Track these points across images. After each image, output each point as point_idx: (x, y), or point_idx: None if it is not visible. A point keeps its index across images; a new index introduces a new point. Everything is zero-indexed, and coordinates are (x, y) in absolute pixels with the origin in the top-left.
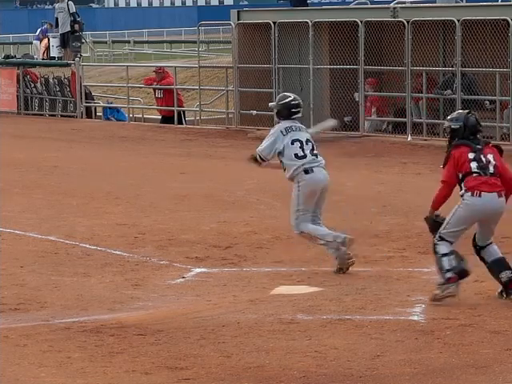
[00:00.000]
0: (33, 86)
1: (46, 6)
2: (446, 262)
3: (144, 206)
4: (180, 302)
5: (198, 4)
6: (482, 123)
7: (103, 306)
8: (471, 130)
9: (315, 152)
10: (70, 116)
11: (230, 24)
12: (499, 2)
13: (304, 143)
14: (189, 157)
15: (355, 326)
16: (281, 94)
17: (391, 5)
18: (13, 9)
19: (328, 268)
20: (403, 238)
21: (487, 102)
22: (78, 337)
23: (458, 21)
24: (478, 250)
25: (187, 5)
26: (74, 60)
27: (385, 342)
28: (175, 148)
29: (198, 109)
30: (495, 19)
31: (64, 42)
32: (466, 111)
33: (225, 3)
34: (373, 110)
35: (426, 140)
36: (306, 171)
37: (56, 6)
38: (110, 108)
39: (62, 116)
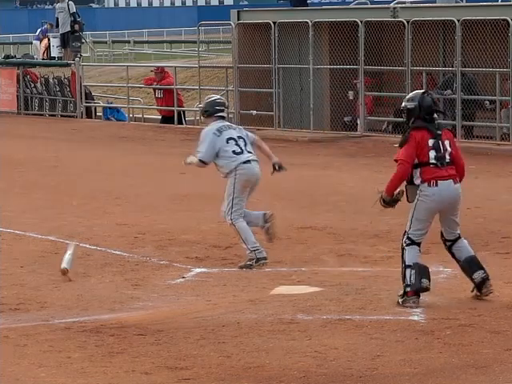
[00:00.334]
0: (33, 85)
1: (46, 6)
2: (408, 276)
3: (144, 206)
4: (180, 301)
5: (198, 4)
6: (482, 123)
7: (103, 306)
8: (427, 110)
9: (248, 148)
10: (70, 116)
11: (230, 24)
12: (499, 2)
13: (237, 140)
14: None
15: (355, 326)
16: (207, 97)
17: (391, 5)
18: (13, 9)
19: (328, 268)
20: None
21: (487, 102)
22: (78, 337)
23: (458, 21)
24: (449, 245)
25: (187, 5)
26: (74, 60)
27: (385, 342)
28: (175, 148)
29: (198, 109)
30: (495, 19)
31: (64, 41)
32: (422, 91)
33: (225, 3)
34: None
35: None
36: (245, 162)
37: (56, 6)
38: (109, 108)
39: (61, 116)
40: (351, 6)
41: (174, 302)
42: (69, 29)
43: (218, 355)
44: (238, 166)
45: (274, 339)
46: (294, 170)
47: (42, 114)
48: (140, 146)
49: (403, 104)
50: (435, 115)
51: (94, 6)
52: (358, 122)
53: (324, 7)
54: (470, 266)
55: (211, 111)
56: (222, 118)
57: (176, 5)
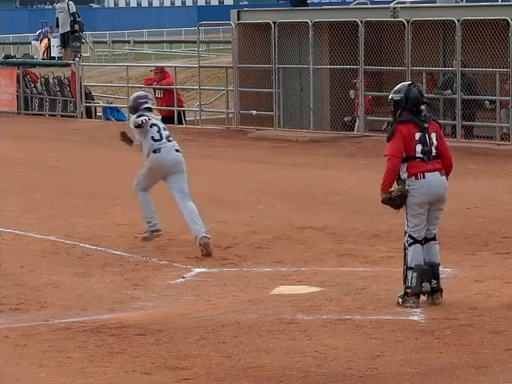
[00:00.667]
0: (33, 85)
1: (46, 6)
2: (409, 278)
3: None
4: (180, 301)
5: (198, 4)
6: (482, 123)
7: (103, 306)
8: (413, 102)
9: (170, 139)
10: (70, 116)
11: (230, 24)
12: (499, 2)
13: (161, 129)
14: (189, 157)
15: (355, 326)
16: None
17: (391, 5)
18: (13, 9)
19: (328, 268)
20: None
21: (487, 102)
22: (78, 337)
23: (458, 21)
24: (423, 242)
25: (187, 5)
26: (74, 60)
27: (385, 342)
28: None
29: (198, 109)
30: (495, 19)
31: (64, 41)
32: (409, 82)
33: (225, 3)
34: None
35: None
36: (155, 151)
37: (56, 5)
38: (109, 108)
39: (62, 116)
40: (351, 6)
41: (174, 302)
42: (69, 29)
43: (218, 355)
44: (150, 153)
45: (274, 339)
46: (294, 170)
47: (41, 114)
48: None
49: (390, 96)
50: (422, 107)
51: (94, 6)
52: (356, 123)
53: (324, 7)
54: (428, 271)
55: (136, 106)
56: (149, 109)
57: (176, 5)
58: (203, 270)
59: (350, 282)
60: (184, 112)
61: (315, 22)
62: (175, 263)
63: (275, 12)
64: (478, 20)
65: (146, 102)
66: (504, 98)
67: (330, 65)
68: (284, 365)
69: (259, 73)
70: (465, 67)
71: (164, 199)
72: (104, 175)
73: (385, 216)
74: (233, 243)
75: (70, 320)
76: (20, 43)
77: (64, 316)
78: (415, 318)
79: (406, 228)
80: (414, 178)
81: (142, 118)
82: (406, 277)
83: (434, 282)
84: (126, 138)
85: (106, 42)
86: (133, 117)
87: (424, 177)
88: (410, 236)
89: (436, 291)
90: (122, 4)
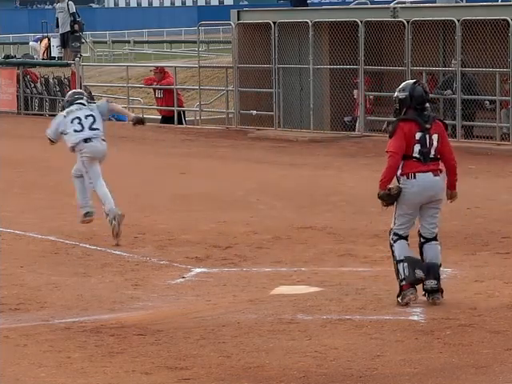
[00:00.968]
0: (33, 85)
1: (46, 6)
2: (401, 270)
3: (144, 206)
4: (180, 301)
5: (198, 4)
6: (482, 123)
7: (103, 306)
8: (418, 100)
9: (94, 126)
10: None
11: (230, 24)
12: (499, 2)
13: (83, 119)
14: (189, 157)
15: (355, 326)
16: None
17: (391, 5)
18: (13, 9)
19: (328, 268)
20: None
21: (487, 102)
22: (78, 337)
23: (458, 21)
24: (423, 242)
25: (187, 5)
26: (73, 60)
27: (385, 342)
28: (175, 148)
29: (198, 109)
30: (495, 19)
31: (64, 41)
32: (414, 81)
33: (225, 3)
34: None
35: None
36: (85, 140)
37: (56, 5)
38: None
39: None
40: (351, 6)
41: (174, 302)
42: (69, 29)
43: (218, 355)
44: (79, 144)
45: (274, 339)
46: (294, 170)
47: (42, 114)
48: (140, 145)
49: (395, 94)
50: (427, 105)
51: (94, 6)
52: (357, 123)
53: (324, 7)
54: (428, 271)
55: (70, 101)
56: (83, 104)
57: (176, 5)
58: (203, 269)
59: (349, 282)
60: (184, 112)
61: (315, 22)
62: (175, 263)
63: (275, 12)
64: (477, 20)
65: (80, 98)
66: (504, 98)
67: (330, 65)
68: (284, 365)
69: (259, 73)
70: (465, 67)
71: (164, 200)
72: (104, 175)
73: (385, 216)
74: (233, 243)
75: (70, 320)
76: (20, 43)
77: (64, 316)
78: (415, 318)
79: (392, 225)
80: (405, 177)
81: (52, 137)
82: (397, 271)
83: (435, 282)
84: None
85: (106, 42)
86: (52, 126)
87: (415, 177)
88: (394, 233)
89: (436, 291)
90: (121, 4)
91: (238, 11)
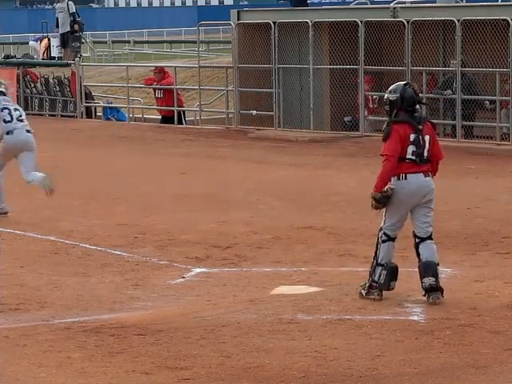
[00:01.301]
0: (33, 86)
1: (46, 6)
2: (377, 274)
3: (144, 206)
4: (180, 301)
5: (198, 4)
6: (482, 123)
7: (103, 306)
8: (409, 102)
9: (21, 118)
10: (70, 116)
11: (230, 24)
12: (499, 2)
13: (12, 111)
14: (189, 157)
15: (355, 326)
16: None
17: (391, 5)
18: (13, 9)
19: (328, 268)
20: (403, 238)
21: (487, 102)
22: (78, 337)
23: (458, 21)
24: (418, 242)
25: (187, 5)
26: (73, 60)
27: (385, 342)
28: (175, 148)
29: (198, 109)
30: (495, 19)
31: (64, 41)
32: (404, 82)
33: (225, 3)
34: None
35: None
36: (8, 133)
37: (56, 5)
38: (110, 108)
39: (61, 116)
40: (351, 6)
41: (174, 302)
42: (68, 29)
43: (218, 355)
44: (7, 132)
45: (274, 339)
46: (294, 170)
47: (41, 114)
48: (140, 145)
49: (385, 96)
50: (417, 107)
51: (94, 6)
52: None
53: (324, 7)
54: (426, 269)
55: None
56: (3, 93)
57: (176, 5)
58: (203, 269)
59: (349, 282)
60: (184, 112)
61: (315, 22)
62: (175, 263)
63: (275, 12)
64: (477, 20)
65: (2, 94)
66: (504, 98)
67: (330, 65)
68: (284, 365)
69: (259, 73)
70: (465, 67)
71: (164, 200)
72: (104, 175)
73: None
74: (233, 243)
75: (70, 320)
76: (20, 43)
77: (64, 316)
78: (415, 318)
79: (382, 224)
80: (396, 177)
81: None
82: (373, 271)
83: (433, 279)
84: None
85: (106, 42)
86: None
87: (406, 178)
88: (384, 233)
89: (436, 290)
90: (122, 4)
91: (238, 11)
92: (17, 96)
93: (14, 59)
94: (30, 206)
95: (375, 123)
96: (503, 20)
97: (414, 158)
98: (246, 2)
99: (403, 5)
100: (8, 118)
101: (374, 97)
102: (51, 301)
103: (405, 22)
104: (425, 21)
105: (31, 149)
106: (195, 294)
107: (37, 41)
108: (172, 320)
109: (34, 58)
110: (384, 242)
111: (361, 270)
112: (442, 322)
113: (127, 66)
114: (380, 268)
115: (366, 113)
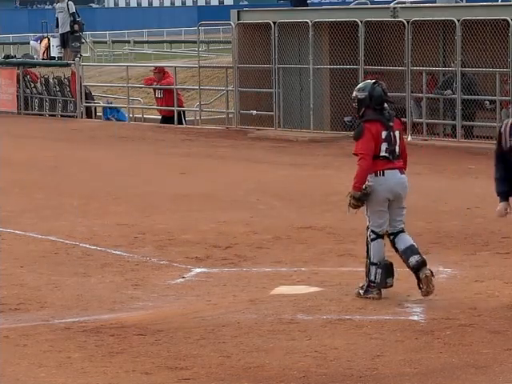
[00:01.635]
0: (33, 85)
1: (46, 6)
2: (373, 273)
3: (144, 206)
4: (180, 301)
5: (198, 4)
6: (482, 123)
7: (103, 306)
8: (377, 101)
9: None
10: (69, 116)
11: (230, 24)
12: (499, 2)
13: None
14: (189, 157)
15: (355, 326)
16: None
17: (391, 5)
18: (13, 9)
19: (328, 268)
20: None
21: (487, 102)
22: (78, 337)
23: (458, 21)
24: (392, 239)
25: (187, 5)
26: (73, 60)
27: (385, 342)
28: (175, 148)
29: (198, 109)
30: (495, 19)
31: (64, 41)
32: (373, 81)
33: (225, 3)
34: None
35: (425, 140)
36: None
37: (56, 5)
38: (110, 108)
39: (61, 116)
40: (351, 6)
41: (174, 302)
42: (68, 29)
43: (218, 355)
44: None
45: (274, 339)
46: (293, 170)
47: (41, 114)
48: (140, 145)
49: (354, 94)
50: (385, 105)
51: (94, 6)
52: None
53: (324, 7)
54: (407, 251)
55: None
56: None
57: (176, 5)
58: (203, 269)
59: (349, 282)
60: (184, 112)
61: (315, 22)
62: (175, 263)
63: (275, 12)
64: (477, 20)
65: None
66: (504, 98)
67: (330, 65)
68: (284, 365)
69: (259, 73)
70: (465, 67)
71: (164, 200)
72: (104, 175)
73: None
74: (233, 243)
75: (70, 320)
76: (20, 43)
77: (64, 316)
78: (415, 318)
79: (368, 223)
80: (373, 174)
81: None
82: (369, 271)
83: (418, 256)
84: None
85: (106, 42)
86: None
87: (383, 174)
88: (372, 231)
89: (424, 265)
90: (122, 4)
91: (238, 11)
92: (17, 96)
93: (14, 59)
94: (30, 206)
95: None
96: (503, 20)
97: (387, 154)
98: (246, 2)
99: (403, 5)
100: None
101: None
102: (51, 301)
103: (405, 22)
104: (425, 21)
105: None
106: (195, 294)
107: (37, 41)
108: (172, 320)
109: (34, 58)
110: (373, 240)
111: (361, 270)
112: (442, 321)
113: (127, 65)
114: (374, 267)
115: None
